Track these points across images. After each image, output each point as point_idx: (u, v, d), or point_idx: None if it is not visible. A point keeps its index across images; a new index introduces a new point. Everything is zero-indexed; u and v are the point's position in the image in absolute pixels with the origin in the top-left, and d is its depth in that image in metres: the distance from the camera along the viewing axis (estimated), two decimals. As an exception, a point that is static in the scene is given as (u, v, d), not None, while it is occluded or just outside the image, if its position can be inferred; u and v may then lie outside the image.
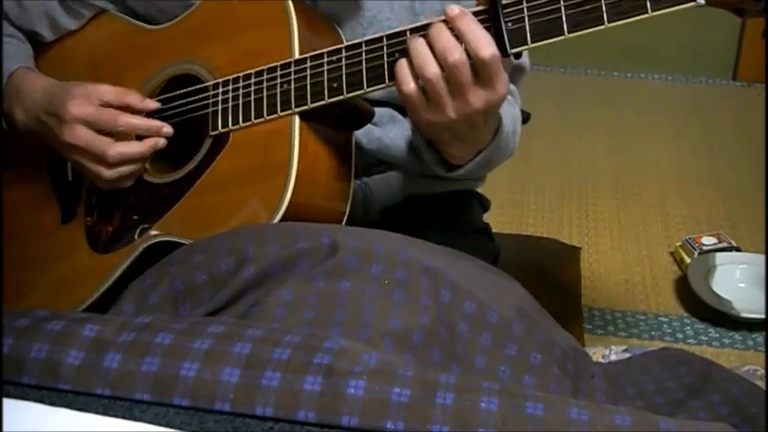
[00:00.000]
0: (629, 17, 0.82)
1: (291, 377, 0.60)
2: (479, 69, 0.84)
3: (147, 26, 1.08)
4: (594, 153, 2.66)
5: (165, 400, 0.60)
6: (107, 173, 1.01)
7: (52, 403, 0.61)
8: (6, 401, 0.60)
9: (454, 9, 0.85)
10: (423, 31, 0.88)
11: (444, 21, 0.86)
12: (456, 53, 0.83)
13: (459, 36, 0.84)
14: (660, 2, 0.80)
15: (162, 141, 1.01)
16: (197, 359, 0.61)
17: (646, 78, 3.18)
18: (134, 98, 1.02)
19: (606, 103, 3.00)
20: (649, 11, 0.81)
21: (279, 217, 0.91)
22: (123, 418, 0.60)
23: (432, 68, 0.85)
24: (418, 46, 0.86)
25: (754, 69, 3.05)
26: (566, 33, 0.84)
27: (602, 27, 0.83)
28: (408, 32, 0.88)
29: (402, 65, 0.86)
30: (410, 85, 0.86)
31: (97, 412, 0.60)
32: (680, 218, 2.33)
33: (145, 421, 0.59)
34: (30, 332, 0.65)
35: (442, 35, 0.84)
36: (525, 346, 0.80)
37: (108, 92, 1.01)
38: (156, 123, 1.01)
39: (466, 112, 0.86)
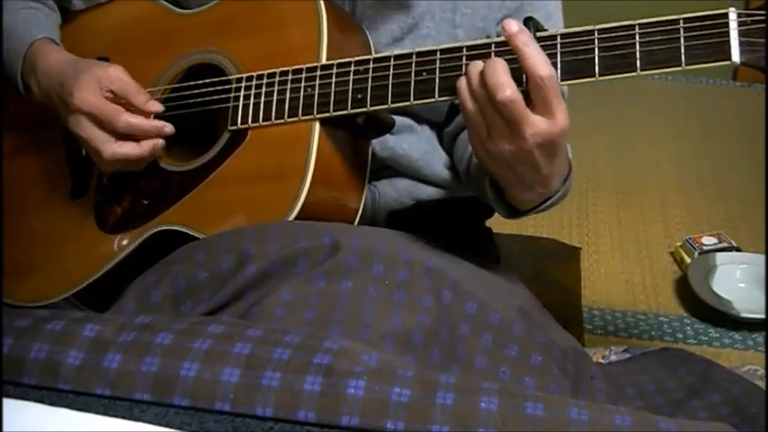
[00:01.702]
0: (661, 67, 0.81)
1: (291, 377, 0.60)
2: (536, 91, 0.79)
3: (177, 9, 1.08)
4: (594, 153, 2.66)
5: (165, 400, 0.60)
6: (104, 167, 1.02)
7: (52, 403, 0.61)
8: (6, 401, 0.60)
9: (513, 26, 0.81)
10: (453, 53, 0.87)
11: (500, 43, 0.84)
12: (507, 90, 0.79)
13: (515, 53, 0.80)
14: (695, 57, 0.80)
15: (161, 142, 1.01)
16: (197, 359, 0.61)
17: (646, 78, 3.16)
18: (140, 99, 1.00)
19: (606, 103, 3.00)
20: (683, 64, 0.80)
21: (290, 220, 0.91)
22: (123, 418, 0.60)
23: (481, 97, 0.82)
24: (472, 72, 0.82)
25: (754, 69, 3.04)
26: (596, 76, 0.82)
27: (634, 74, 0.81)
28: (439, 53, 0.87)
29: (462, 83, 0.83)
30: (470, 103, 0.83)
31: (97, 412, 0.60)
32: (680, 218, 2.33)
33: (145, 421, 0.59)
34: (30, 332, 0.65)
35: (497, 70, 0.80)
36: (526, 347, 0.80)
37: (117, 79, 0.99)
38: (155, 124, 1.01)
39: (522, 146, 0.81)
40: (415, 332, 0.76)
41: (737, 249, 2.11)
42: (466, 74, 0.83)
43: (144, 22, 1.10)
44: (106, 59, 1.09)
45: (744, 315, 1.85)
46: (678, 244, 2.14)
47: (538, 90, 0.79)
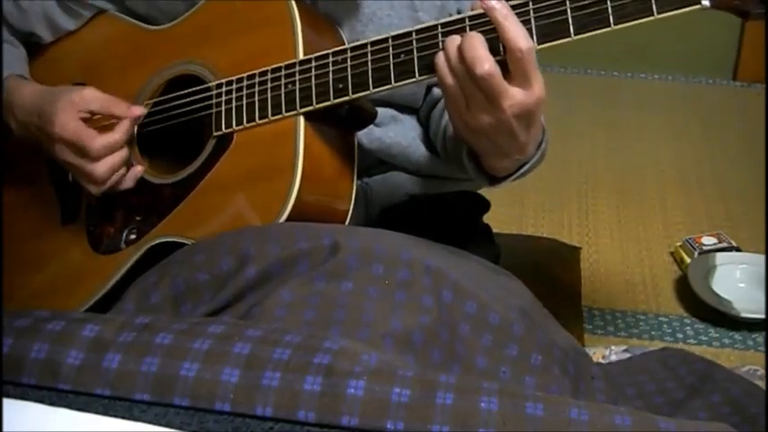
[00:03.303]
0: (634, 19, 0.82)
1: (291, 377, 0.60)
2: (515, 63, 0.82)
3: (148, 26, 1.08)
4: (594, 153, 2.66)
5: (165, 401, 0.60)
6: (98, 189, 1.01)
7: (52, 403, 0.61)
8: (6, 401, 0.60)
9: None
10: (429, 31, 0.87)
11: (474, 16, 0.85)
12: (486, 64, 0.81)
13: (495, 25, 0.82)
14: (665, 4, 0.81)
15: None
16: (197, 359, 0.62)
17: (646, 78, 3.18)
18: (120, 108, 1.01)
19: (606, 103, 3.00)
20: (655, 13, 0.81)
21: (284, 217, 0.91)
22: (123, 418, 0.60)
23: (460, 71, 0.83)
24: (450, 47, 0.84)
25: (754, 69, 3.04)
26: (572, 35, 0.84)
27: (608, 29, 0.83)
28: (414, 33, 0.88)
29: (441, 58, 0.85)
30: (449, 78, 0.84)
31: (97, 412, 0.60)
32: (680, 218, 2.33)
33: (145, 421, 0.59)
34: (30, 332, 0.65)
35: (475, 45, 0.82)
36: (526, 346, 0.80)
37: (93, 99, 1.00)
38: (125, 124, 1.00)
39: (501, 117, 0.83)
40: (415, 332, 0.76)
41: (737, 249, 2.10)
42: (444, 49, 0.85)
43: (117, 42, 1.10)
44: (82, 85, 1.09)
45: (744, 315, 1.85)
46: (678, 244, 2.14)
47: (517, 62, 0.82)
